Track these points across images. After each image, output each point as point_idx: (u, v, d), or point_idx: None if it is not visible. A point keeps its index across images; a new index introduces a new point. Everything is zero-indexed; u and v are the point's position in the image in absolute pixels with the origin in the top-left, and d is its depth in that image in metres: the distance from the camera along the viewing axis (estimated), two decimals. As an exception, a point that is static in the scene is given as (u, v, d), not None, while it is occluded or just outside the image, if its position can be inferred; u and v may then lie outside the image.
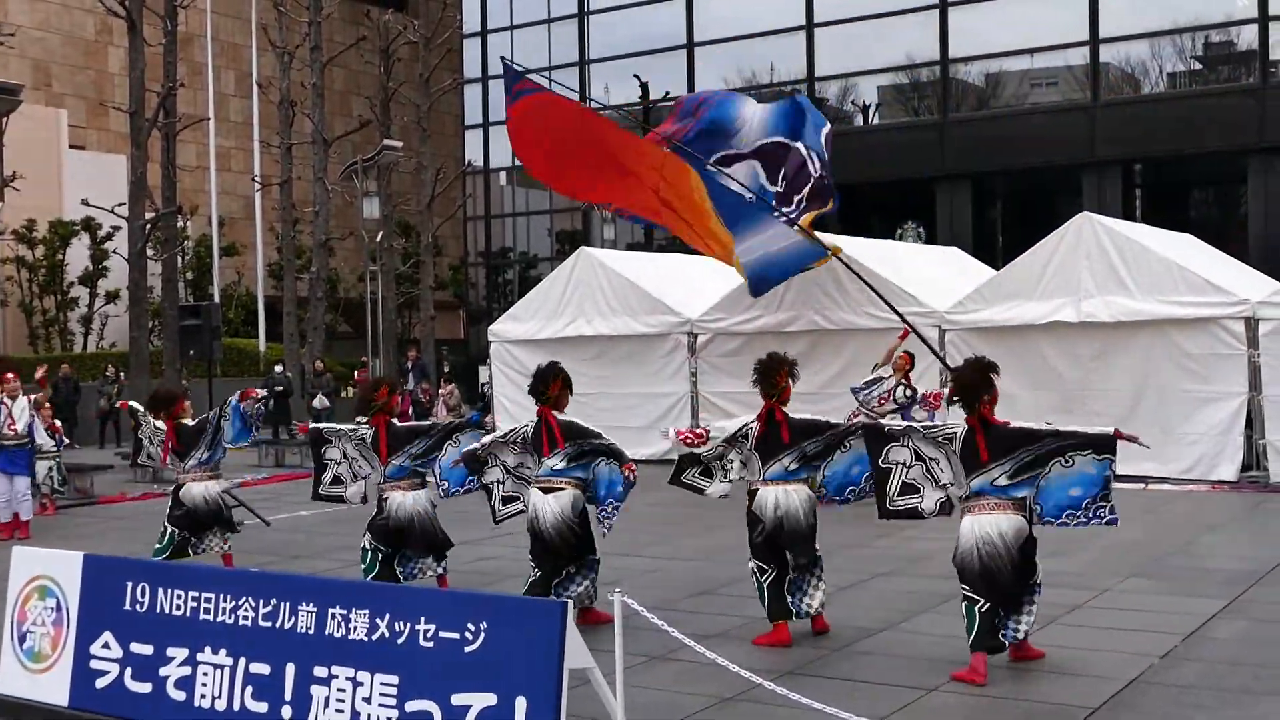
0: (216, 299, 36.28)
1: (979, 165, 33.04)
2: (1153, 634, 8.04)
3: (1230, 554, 11.02)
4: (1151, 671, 7.23)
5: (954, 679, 7.04)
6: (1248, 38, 30.96)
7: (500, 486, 8.92)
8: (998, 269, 19.20)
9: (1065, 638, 8.07)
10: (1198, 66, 32.57)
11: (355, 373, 23.33)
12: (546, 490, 8.52)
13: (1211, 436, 15.52)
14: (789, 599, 8.14)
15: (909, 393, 14.15)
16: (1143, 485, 15.06)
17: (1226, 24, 31.44)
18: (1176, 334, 15.67)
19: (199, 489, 10.73)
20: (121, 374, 27.92)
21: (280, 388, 25.08)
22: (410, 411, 23.84)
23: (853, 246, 18.28)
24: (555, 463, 8.56)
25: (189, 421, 10.87)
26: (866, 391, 14.20)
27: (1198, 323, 15.53)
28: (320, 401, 25.13)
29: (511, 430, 8.93)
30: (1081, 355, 16.20)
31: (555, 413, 8.73)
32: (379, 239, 25.69)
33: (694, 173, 14.59)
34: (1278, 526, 12.50)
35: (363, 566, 9.62)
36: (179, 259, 31.04)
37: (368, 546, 9.63)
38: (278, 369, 27.01)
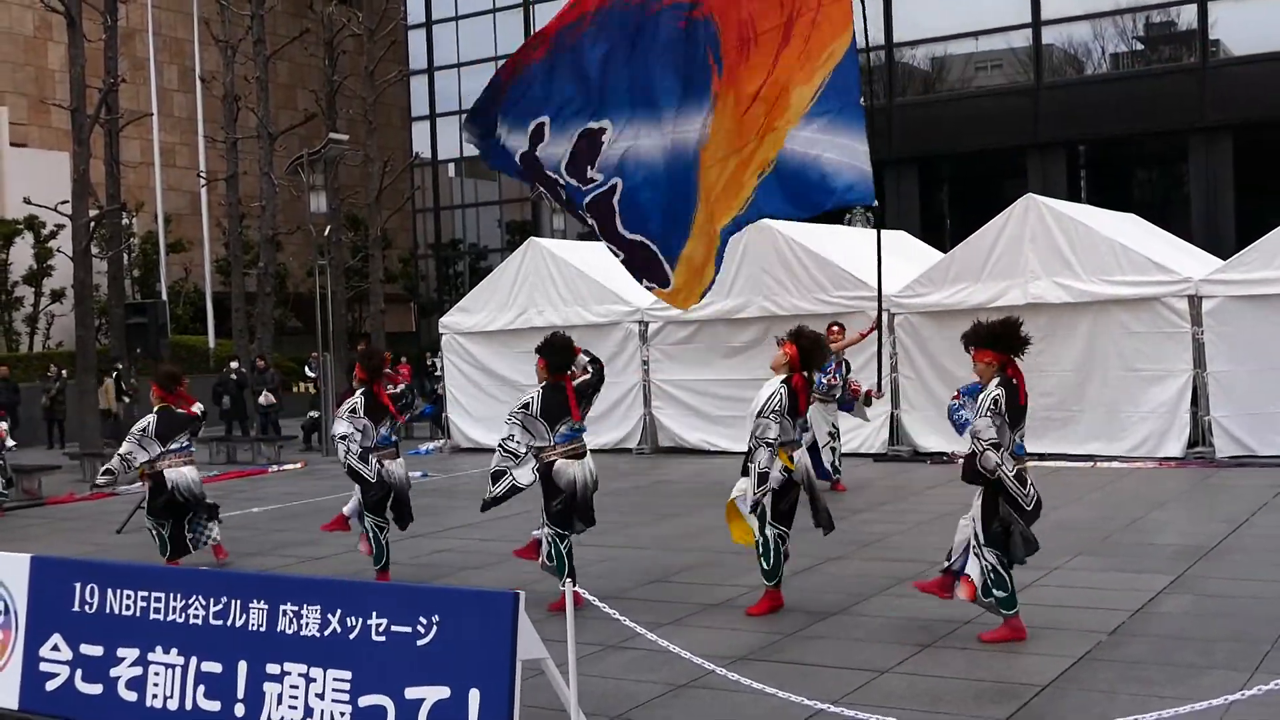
0: (164, 296, 35.92)
1: (925, 149, 33.25)
2: (1101, 610, 8.14)
3: (1177, 530, 11.17)
4: (1100, 648, 7.32)
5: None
6: (1187, 18, 31.34)
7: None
8: (945, 252, 19.33)
9: (1015, 616, 8.15)
10: (1139, 47, 32.93)
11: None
12: (575, 456, 8.91)
13: (1158, 414, 15.72)
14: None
15: (844, 371, 14.44)
16: (1091, 463, 15.24)
17: (1166, 4, 31.80)
18: (1122, 313, 15.85)
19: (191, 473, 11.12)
20: (64, 372, 27.60)
21: (238, 383, 24.94)
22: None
23: (801, 230, 18.37)
24: (575, 426, 8.95)
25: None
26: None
27: (1142, 302, 15.72)
28: (266, 398, 24.93)
29: (527, 406, 8.96)
30: (1029, 337, 16.32)
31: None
32: (327, 233, 25.47)
33: None
34: (1223, 502, 12.68)
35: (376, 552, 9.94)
36: (125, 256, 30.65)
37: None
38: (233, 364, 26.78)
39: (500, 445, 8.96)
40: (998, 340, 7.67)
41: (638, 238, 10.80)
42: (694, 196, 10.68)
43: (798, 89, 10.43)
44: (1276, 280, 15.10)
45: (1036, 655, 7.20)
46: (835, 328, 14.50)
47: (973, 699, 6.48)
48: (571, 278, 20.05)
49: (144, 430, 10.98)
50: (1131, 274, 15.82)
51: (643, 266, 11.05)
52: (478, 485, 16.07)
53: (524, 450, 8.88)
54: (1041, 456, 15.78)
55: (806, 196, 10.77)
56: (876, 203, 11.02)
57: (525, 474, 8.93)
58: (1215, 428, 15.44)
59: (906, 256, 20.25)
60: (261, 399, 24.95)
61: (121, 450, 11.07)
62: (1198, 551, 10.00)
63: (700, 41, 10.54)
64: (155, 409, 11.13)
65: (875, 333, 12.38)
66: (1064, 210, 16.76)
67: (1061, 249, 16.10)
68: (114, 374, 24.99)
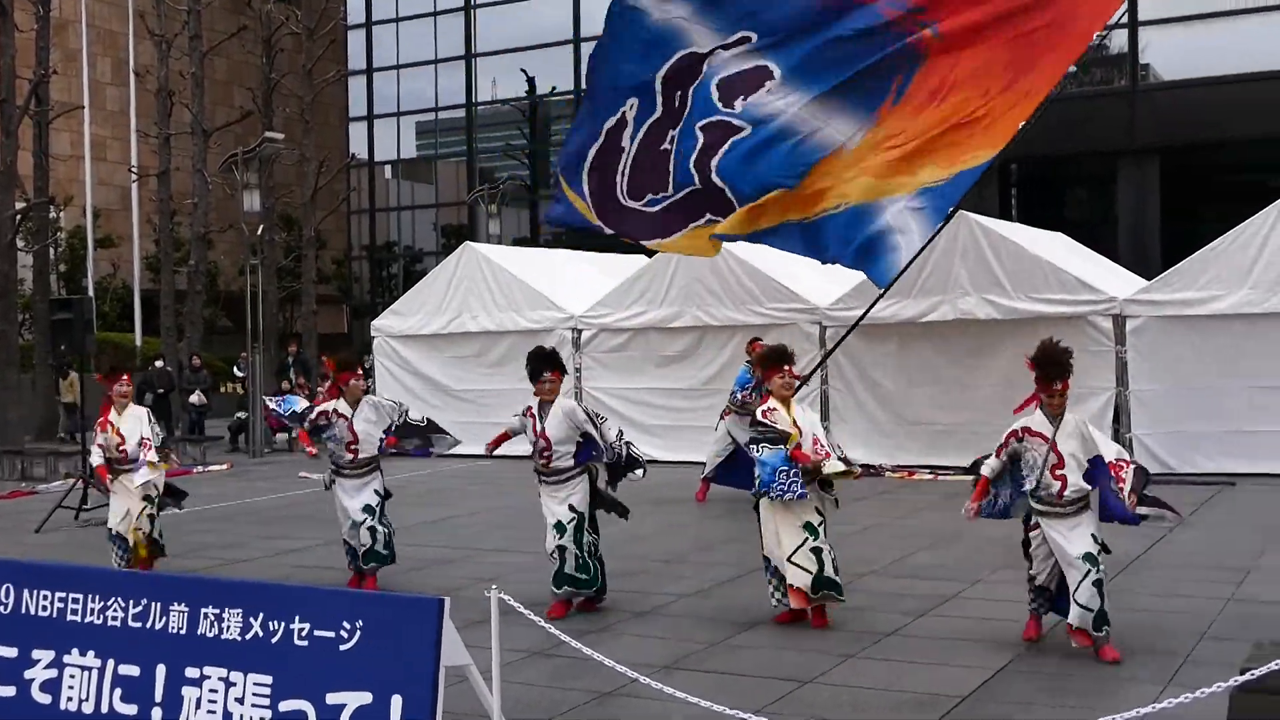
0: (91, 292, 35.38)
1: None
2: (1022, 623, 8.24)
3: (1097, 545, 11.32)
4: (1019, 660, 7.43)
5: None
6: (1119, 42, 31.87)
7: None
8: (878, 266, 19.48)
9: (938, 628, 8.26)
10: (1072, 69, 33.40)
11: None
12: None
13: (1082, 431, 15.95)
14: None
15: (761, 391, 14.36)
16: (1016, 478, 15.43)
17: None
18: (1049, 331, 15.87)
19: None
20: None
21: (162, 389, 24.55)
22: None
23: (736, 244, 18.45)
24: None
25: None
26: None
27: (1068, 320, 15.93)
28: (198, 398, 24.61)
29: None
30: (958, 352, 16.55)
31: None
32: (260, 232, 25.24)
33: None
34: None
35: None
36: (51, 251, 30.22)
37: None
38: (158, 363, 26.41)
39: (629, 446, 9.09)
40: None
41: (719, 183, 10.62)
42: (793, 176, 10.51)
43: (931, 167, 10.37)
44: (1198, 302, 15.41)
45: (957, 667, 7.29)
46: (759, 343, 14.47)
47: (894, 709, 6.55)
48: (506, 283, 20.02)
49: (152, 418, 10.99)
50: (1059, 292, 16.06)
51: (692, 208, 10.77)
52: (407, 490, 15.97)
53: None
54: (967, 470, 15.97)
55: (844, 247, 10.72)
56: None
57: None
58: (1136, 445, 15.69)
59: (836, 271, 20.40)
60: (194, 398, 24.63)
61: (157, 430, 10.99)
62: (1116, 566, 10.14)
63: (896, 68, 10.41)
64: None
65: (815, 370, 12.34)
66: (995, 228, 16.98)
67: (992, 266, 16.31)
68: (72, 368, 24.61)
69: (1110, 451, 7.63)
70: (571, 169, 11.02)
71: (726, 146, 10.53)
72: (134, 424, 10.69)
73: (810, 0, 10.54)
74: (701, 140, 10.55)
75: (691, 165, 10.59)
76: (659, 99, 10.71)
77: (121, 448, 10.64)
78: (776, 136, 10.45)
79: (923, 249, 10.63)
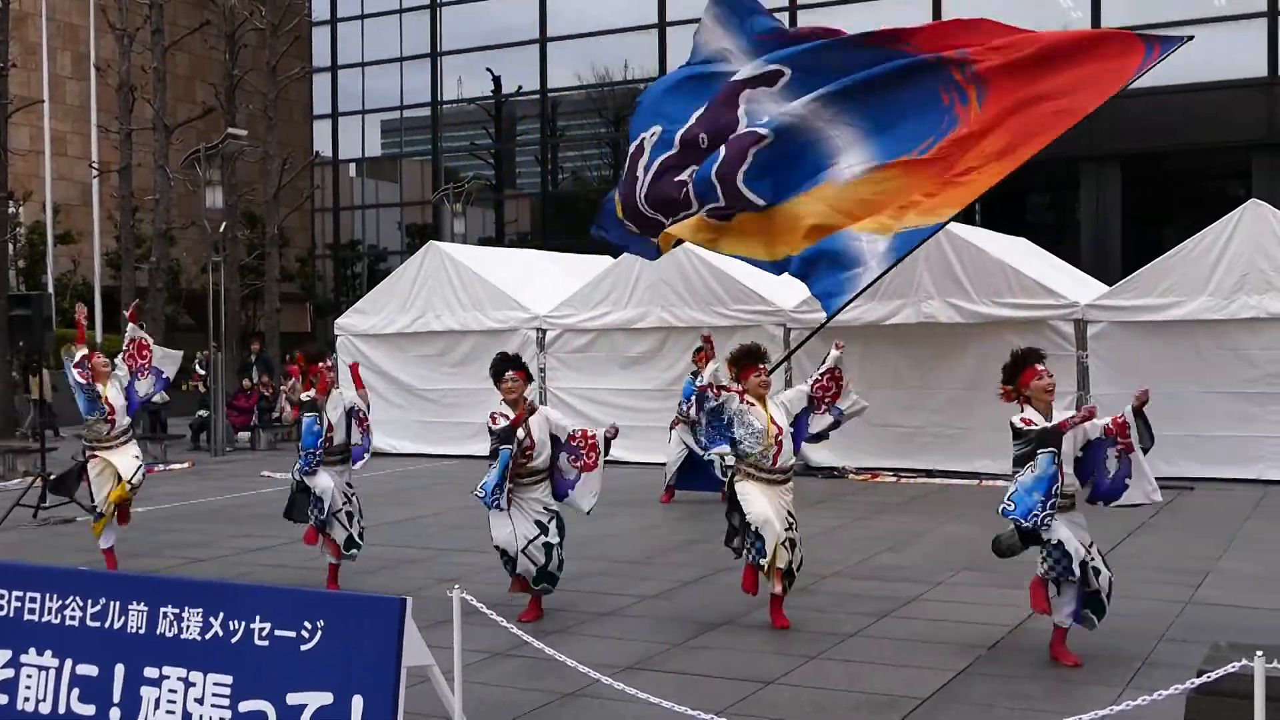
0: (50, 288, 35.04)
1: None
2: (982, 626, 8.31)
3: (1057, 548, 11.40)
4: (979, 662, 7.47)
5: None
6: (1082, 49, 32.04)
7: None
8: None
9: (899, 629, 8.29)
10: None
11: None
12: None
13: (1042, 434, 16.06)
14: None
15: None
16: (977, 481, 15.51)
17: (1062, 35, 32.48)
18: (1011, 335, 16.11)
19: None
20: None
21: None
22: (256, 406, 23.37)
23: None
24: None
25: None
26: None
27: (1030, 324, 16.05)
28: (160, 396, 24.34)
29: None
30: (921, 355, 16.63)
31: None
32: (222, 229, 25.05)
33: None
34: (1101, 521, 12.93)
35: None
36: (10, 246, 29.86)
37: None
38: (117, 359, 26.09)
39: None
40: None
41: (751, 195, 11.13)
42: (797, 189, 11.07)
43: (914, 212, 10.77)
44: (1157, 308, 15.54)
45: (917, 668, 7.32)
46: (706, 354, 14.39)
47: (855, 710, 6.57)
48: (470, 282, 19.98)
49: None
50: (1021, 296, 16.16)
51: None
52: (370, 490, 15.93)
53: None
54: (929, 473, 16.09)
55: (804, 269, 11.22)
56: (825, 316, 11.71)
57: None
58: (1096, 448, 15.80)
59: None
60: (156, 396, 24.35)
61: None
62: (1077, 569, 10.22)
63: (933, 125, 10.93)
64: None
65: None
66: (958, 232, 17.05)
67: (955, 270, 16.40)
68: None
69: (1104, 419, 7.77)
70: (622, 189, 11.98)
71: (749, 159, 11.02)
72: (117, 392, 10.91)
73: (858, 51, 11.22)
74: (723, 154, 11.07)
75: (713, 175, 11.15)
76: (679, 137, 11.35)
77: (111, 417, 10.76)
78: (795, 141, 10.96)
79: (870, 285, 11.00)
